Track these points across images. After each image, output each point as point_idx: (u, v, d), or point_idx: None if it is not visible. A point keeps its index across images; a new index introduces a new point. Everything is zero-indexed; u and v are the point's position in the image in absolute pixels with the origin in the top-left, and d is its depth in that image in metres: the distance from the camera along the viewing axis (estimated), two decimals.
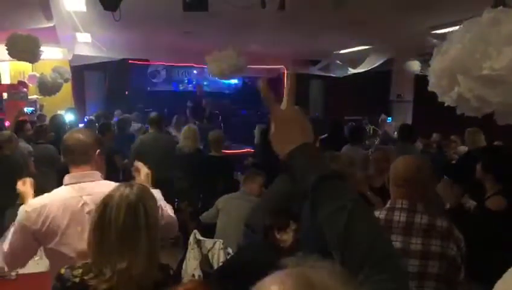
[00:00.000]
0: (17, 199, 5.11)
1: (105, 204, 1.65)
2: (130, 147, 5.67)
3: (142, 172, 2.28)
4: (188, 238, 4.05)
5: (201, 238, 3.96)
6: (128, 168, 5.77)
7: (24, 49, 4.99)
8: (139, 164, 2.34)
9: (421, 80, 10.00)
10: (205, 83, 14.20)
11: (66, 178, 2.13)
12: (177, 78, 14.21)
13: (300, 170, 0.99)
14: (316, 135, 1.04)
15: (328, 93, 12.76)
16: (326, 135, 7.15)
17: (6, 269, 2.45)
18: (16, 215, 4.86)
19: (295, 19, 5.95)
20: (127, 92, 12.69)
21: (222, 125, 12.02)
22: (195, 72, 14.14)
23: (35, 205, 2.04)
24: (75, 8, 5.43)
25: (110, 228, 1.61)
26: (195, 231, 4.08)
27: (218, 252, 3.78)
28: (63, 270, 1.63)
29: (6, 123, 7.68)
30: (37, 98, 10.33)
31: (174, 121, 8.05)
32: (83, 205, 2.03)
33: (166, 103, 12.78)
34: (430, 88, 2.02)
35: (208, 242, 3.89)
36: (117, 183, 1.91)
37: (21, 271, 3.06)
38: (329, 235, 0.92)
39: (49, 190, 6.26)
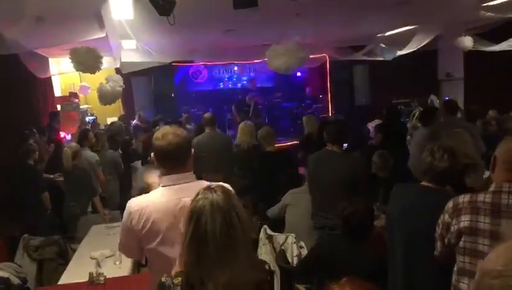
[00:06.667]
0: (88, 207, 5.32)
1: (199, 216, 1.58)
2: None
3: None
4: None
5: (272, 233, 3.97)
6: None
7: (86, 61, 5.14)
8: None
9: (471, 57, 9.54)
10: (244, 78, 14.20)
11: (164, 180, 2.12)
12: (218, 77, 14.27)
13: None
14: None
15: (372, 78, 12.47)
16: (381, 122, 6.99)
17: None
18: (88, 223, 5.00)
19: (342, 3, 5.82)
20: (172, 95, 12.90)
21: (266, 119, 12.04)
22: (235, 68, 14.16)
23: (137, 206, 2.07)
24: (122, 16, 5.51)
25: (207, 242, 1.55)
26: (265, 226, 4.09)
27: (291, 246, 3.77)
28: (163, 279, 1.63)
29: (64, 135, 7.94)
30: (88, 107, 10.69)
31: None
32: (181, 207, 2.01)
33: (210, 102, 12.89)
34: None
35: (279, 237, 3.89)
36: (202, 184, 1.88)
37: (108, 276, 3.18)
38: None
39: (113, 196, 6.33)
